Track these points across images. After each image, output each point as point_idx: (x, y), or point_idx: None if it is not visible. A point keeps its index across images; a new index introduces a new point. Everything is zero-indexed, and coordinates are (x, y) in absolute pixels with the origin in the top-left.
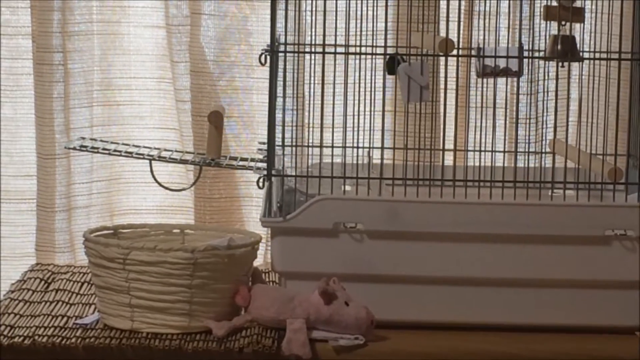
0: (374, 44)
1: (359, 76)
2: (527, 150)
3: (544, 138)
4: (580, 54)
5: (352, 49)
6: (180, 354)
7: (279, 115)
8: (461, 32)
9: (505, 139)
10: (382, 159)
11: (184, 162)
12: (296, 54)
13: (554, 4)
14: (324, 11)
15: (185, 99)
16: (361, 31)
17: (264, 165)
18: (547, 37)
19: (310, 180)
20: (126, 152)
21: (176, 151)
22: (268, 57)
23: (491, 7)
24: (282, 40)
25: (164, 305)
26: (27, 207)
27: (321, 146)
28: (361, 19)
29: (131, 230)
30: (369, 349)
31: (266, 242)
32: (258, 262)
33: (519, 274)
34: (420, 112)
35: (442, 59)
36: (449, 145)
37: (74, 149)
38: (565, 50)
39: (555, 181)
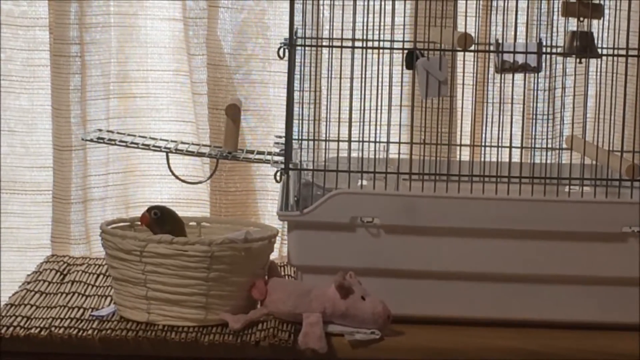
0: (392, 39)
1: (377, 71)
2: (544, 146)
3: (561, 134)
4: (599, 50)
5: (370, 44)
6: (196, 347)
7: (296, 109)
8: (479, 27)
9: (522, 135)
10: (399, 153)
11: (200, 155)
12: (314, 48)
13: (573, 0)
14: (342, 5)
15: (201, 92)
16: (380, 26)
17: (281, 158)
18: (566, 33)
19: (327, 174)
20: (143, 144)
21: (193, 144)
22: (287, 50)
23: (510, 3)
24: (300, 34)
25: (181, 298)
26: (42, 198)
27: (338, 140)
28: (380, 14)
29: None
30: (385, 344)
31: (282, 236)
32: (273, 256)
33: (536, 270)
34: (438, 107)
35: (460, 54)
36: (466, 140)
37: (91, 140)
38: (583, 47)
39: (573, 177)
